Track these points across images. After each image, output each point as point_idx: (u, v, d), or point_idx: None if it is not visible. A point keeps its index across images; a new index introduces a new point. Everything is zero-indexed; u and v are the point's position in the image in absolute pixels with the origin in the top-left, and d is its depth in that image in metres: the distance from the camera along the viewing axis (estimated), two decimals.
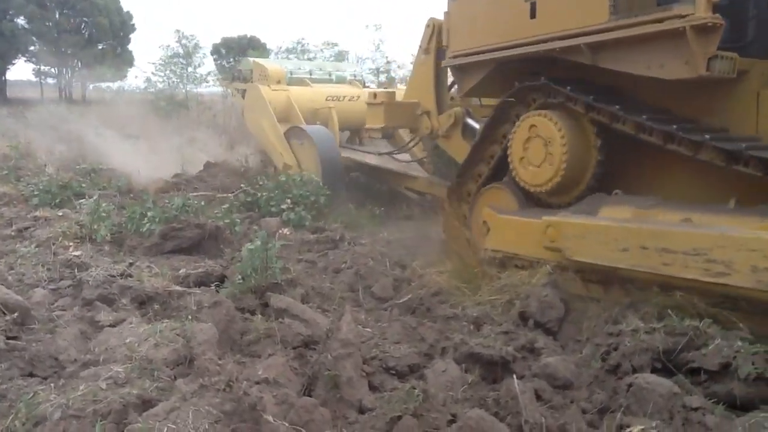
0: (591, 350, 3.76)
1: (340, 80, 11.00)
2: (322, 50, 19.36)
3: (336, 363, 3.25)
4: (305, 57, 20.31)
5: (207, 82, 32.30)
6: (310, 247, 6.10)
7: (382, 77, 17.57)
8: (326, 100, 9.75)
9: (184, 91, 25.27)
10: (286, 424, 2.69)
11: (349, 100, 10.01)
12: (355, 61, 18.64)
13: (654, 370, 3.42)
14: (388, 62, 17.84)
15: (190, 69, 30.67)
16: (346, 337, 3.36)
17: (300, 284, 4.77)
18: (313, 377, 3.29)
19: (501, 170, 5.49)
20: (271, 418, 2.66)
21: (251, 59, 10.40)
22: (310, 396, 3.19)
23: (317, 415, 2.95)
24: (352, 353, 3.35)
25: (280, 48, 27.43)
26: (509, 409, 3.00)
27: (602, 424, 3.01)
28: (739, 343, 3.35)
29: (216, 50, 43.11)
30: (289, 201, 7.14)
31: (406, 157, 8.81)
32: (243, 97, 10.33)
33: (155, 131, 15.10)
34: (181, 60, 30.44)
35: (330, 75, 11.01)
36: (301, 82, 10.33)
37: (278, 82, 9.74)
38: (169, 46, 30.96)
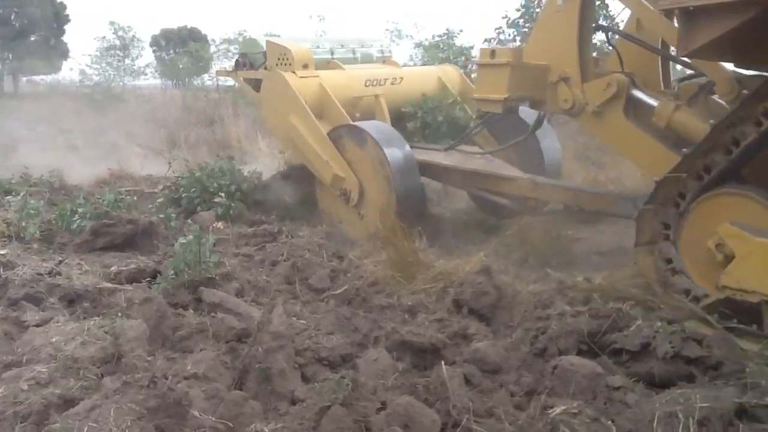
0: (521, 335, 3.84)
1: (366, 58, 8.58)
2: None
3: (267, 356, 3.25)
4: None
5: (145, 75, 31.71)
6: (247, 240, 6.05)
7: None
8: (365, 85, 7.54)
9: (121, 84, 24.75)
10: (213, 419, 2.68)
11: (392, 83, 7.77)
12: None
13: (580, 352, 3.53)
14: (332, 54, 17.62)
15: (127, 61, 30.07)
16: (277, 329, 3.36)
17: (235, 278, 4.72)
18: (244, 371, 3.27)
19: (740, 168, 4.05)
20: (197, 413, 2.65)
21: (259, 39, 7.93)
22: (241, 390, 3.18)
23: (247, 408, 2.95)
24: (283, 345, 3.35)
25: (222, 39, 27.08)
26: (438, 395, 3.05)
27: (529, 406, 3.08)
28: (659, 324, 3.49)
29: (155, 42, 42.24)
30: (223, 195, 6.94)
31: (464, 151, 7.06)
32: (255, 88, 7.75)
33: (91, 126, 14.73)
34: (117, 52, 29.79)
35: (354, 53, 8.52)
36: (326, 64, 7.89)
37: (305, 66, 7.20)
38: (105, 37, 30.29)
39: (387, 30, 17.16)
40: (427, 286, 4.57)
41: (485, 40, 14.51)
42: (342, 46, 8.39)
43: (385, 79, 7.70)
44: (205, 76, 23.05)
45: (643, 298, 3.94)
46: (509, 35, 14.42)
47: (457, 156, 6.90)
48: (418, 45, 16.25)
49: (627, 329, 3.52)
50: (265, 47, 7.57)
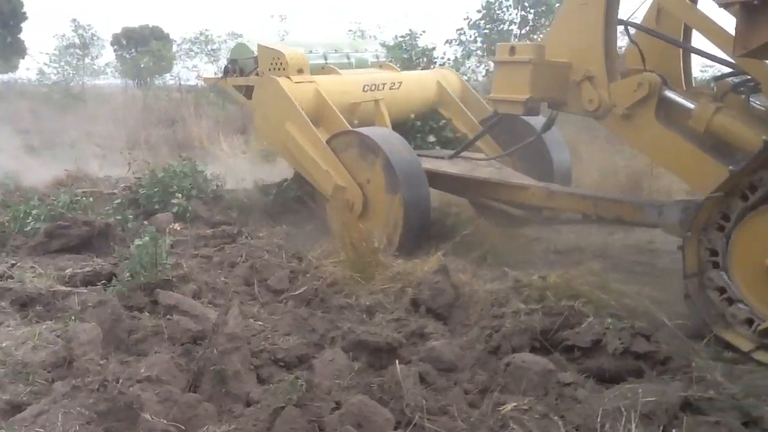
0: (477, 333, 3.89)
1: (361, 64, 8.14)
2: (225, 41, 18.98)
3: (222, 357, 3.24)
4: (208, 48, 19.85)
5: (105, 74, 31.23)
6: (206, 242, 5.99)
7: None
8: (364, 90, 7.11)
9: (80, 83, 24.31)
10: (164, 421, 2.66)
11: (390, 88, 7.35)
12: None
13: (533, 350, 3.59)
14: None
15: (87, 60, 29.57)
16: (232, 331, 3.35)
17: (193, 280, 4.68)
18: (199, 373, 3.26)
19: None
20: (148, 416, 2.63)
21: (249, 43, 7.53)
22: (195, 392, 3.17)
23: (201, 410, 2.95)
24: (239, 347, 3.34)
25: (184, 38, 26.82)
26: (393, 394, 3.08)
27: (482, 403, 3.12)
28: (609, 320, 3.57)
29: (116, 41, 41.55)
30: (180, 195, 6.85)
31: (467, 158, 6.77)
32: (247, 96, 7.27)
33: (48, 126, 14.45)
34: (77, 51, 29.28)
35: (348, 58, 8.04)
36: (321, 69, 7.42)
37: (300, 71, 6.82)
38: (64, 35, 29.75)
39: (350, 30, 17.14)
40: (386, 286, 4.59)
41: (447, 42, 14.63)
42: (336, 50, 8.00)
43: (384, 84, 7.31)
44: (167, 76, 22.80)
45: (595, 295, 4.01)
46: (470, 36, 14.55)
47: (463, 164, 6.55)
48: (382, 45, 16.24)
49: (579, 326, 3.60)
50: (255, 52, 7.28)
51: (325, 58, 7.70)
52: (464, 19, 13.16)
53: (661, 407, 2.88)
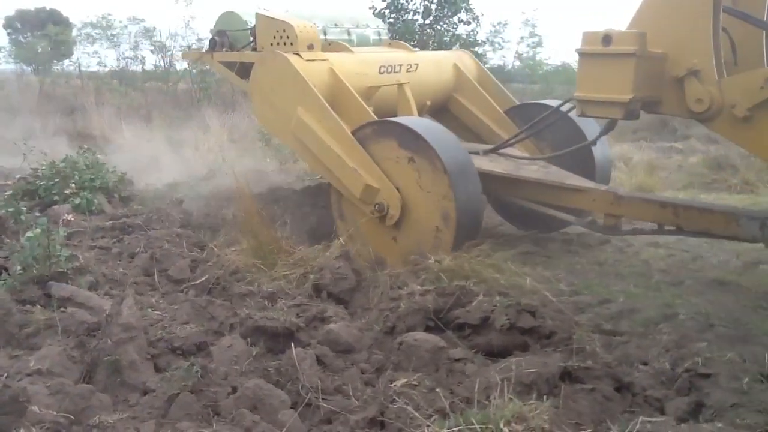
0: (375, 315, 4.02)
1: (362, 41, 7.01)
2: (126, 26, 18.37)
3: (117, 348, 3.22)
4: (109, 34, 19.15)
5: None
6: (104, 233, 5.85)
7: None
8: (380, 72, 6.13)
9: None
10: (54, 413, 2.64)
11: (407, 70, 6.40)
12: (168, 36, 17.61)
13: (427, 329, 3.75)
14: (199, 40, 17.25)
15: None
16: (127, 321, 3.33)
17: (89, 272, 4.60)
18: (93, 364, 3.23)
19: None
20: (36, 408, 2.60)
21: (241, 13, 6.43)
22: (90, 383, 3.14)
23: (94, 401, 2.92)
24: (134, 337, 3.32)
25: (84, 23, 25.66)
26: (289, 376, 3.16)
27: (378, 381, 3.24)
28: (498, 298, 3.76)
29: (10, 24, 39.35)
30: (73, 186, 6.63)
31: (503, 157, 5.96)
32: (241, 74, 6.38)
33: None
34: None
35: (349, 34, 6.89)
36: (327, 46, 6.31)
37: (311, 46, 5.78)
38: None
39: None
40: (288, 272, 4.64)
41: None
42: (336, 25, 6.83)
43: (400, 66, 6.33)
44: (66, 62, 21.82)
45: (486, 275, 4.21)
46: None
47: (503, 162, 5.83)
48: None
49: (469, 305, 3.77)
50: (250, 23, 6.29)
51: (325, 33, 6.57)
52: (369, 8, 13.20)
53: (541, 377, 3.07)
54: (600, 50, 4.35)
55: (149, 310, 4.03)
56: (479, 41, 16.52)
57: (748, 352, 3.53)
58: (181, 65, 17.61)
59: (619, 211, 4.99)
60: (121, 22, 18.67)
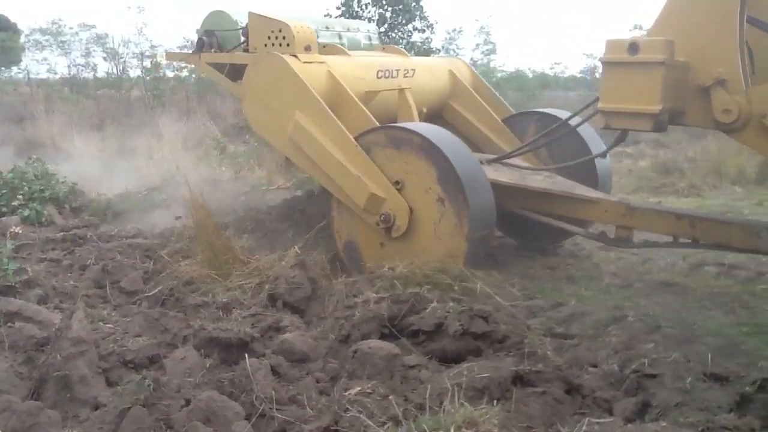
0: (331, 324, 4.02)
1: (353, 45, 6.67)
2: (78, 32, 18.02)
3: (66, 363, 3.16)
4: (59, 40, 18.73)
5: None
6: (54, 245, 5.74)
7: (147, 62, 16.77)
8: (377, 77, 5.92)
9: None
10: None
11: (405, 75, 6.22)
12: (121, 43, 17.30)
13: (382, 336, 3.77)
14: (153, 47, 17.04)
15: None
16: (77, 335, 3.28)
17: (39, 285, 4.51)
18: (41, 380, 3.17)
19: None
20: None
21: (231, 12, 6.16)
22: (38, 400, 3.08)
23: (43, 417, 2.87)
24: (84, 351, 3.27)
25: (33, 29, 25.06)
26: (243, 387, 3.14)
27: (333, 390, 3.25)
28: (451, 304, 3.80)
29: None
30: (21, 197, 6.48)
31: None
32: (231, 76, 6.05)
33: None
34: None
35: (340, 38, 6.60)
36: (322, 49, 6.02)
37: (308, 48, 5.56)
38: None
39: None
40: (243, 282, 4.62)
41: None
42: (327, 28, 6.56)
43: (397, 71, 6.13)
44: (15, 69, 21.27)
45: (440, 281, 4.25)
46: None
47: (508, 171, 5.60)
48: None
49: (424, 311, 3.81)
50: (240, 23, 6.04)
51: (317, 36, 6.16)
52: (325, 16, 13.24)
53: (494, 382, 3.13)
54: (626, 59, 4.19)
55: (101, 323, 3.97)
56: (434, 49, 16.68)
57: (693, 351, 3.64)
58: (134, 72, 17.35)
59: (632, 222, 4.84)
60: (71, 28, 18.33)
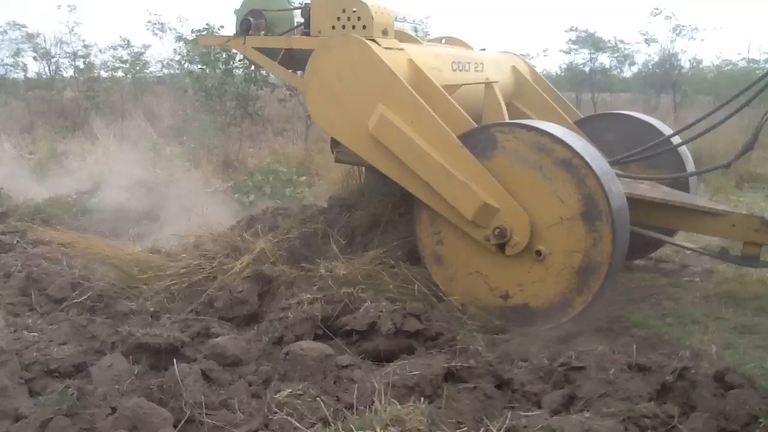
0: (265, 326, 3.99)
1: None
2: (6, 31, 17.34)
3: None
4: None
5: None
6: None
7: (80, 62, 16.26)
8: (453, 69, 5.22)
9: None
10: None
11: (476, 69, 5.50)
12: (54, 42, 16.66)
13: (317, 337, 3.76)
14: (86, 46, 16.51)
15: None
16: None
17: None
18: None
19: None
20: None
21: None
22: None
23: None
24: (5, 361, 3.18)
25: None
26: (173, 393, 3.09)
27: (266, 393, 3.22)
28: (384, 304, 3.82)
29: None
30: None
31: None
32: (286, 64, 5.11)
33: None
34: None
35: None
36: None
37: (385, 32, 4.82)
38: None
39: (149, 22, 16.39)
40: (174, 286, 4.53)
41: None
42: None
43: (468, 63, 5.44)
44: None
45: (374, 281, 4.26)
46: None
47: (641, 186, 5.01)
48: (180, 39, 15.72)
49: (357, 311, 3.81)
50: (297, 1, 5.30)
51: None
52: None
53: (425, 379, 3.17)
54: None
55: (25, 332, 3.83)
56: None
57: (619, 343, 3.75)
58: (67, 72, 16.80)
59: (765, 239, 4.38)
60: (0, 27, 17.62)
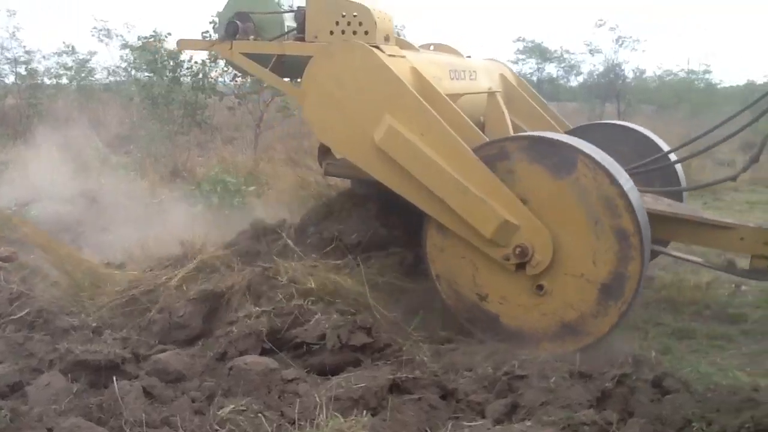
0: (211, 342, 3.93)
1: None
2: None
3: None
4: None
5: None
6: None
7: (21, 68, 15.80)
8: (451, 78, 5.05)
9: None
10: None
11: (470, 78, 5.35)
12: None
13: (264, 351, 3.72)
14: (27, 52, 16.05)
15: None
16: None
17: None
18: None
19: None
20: None
21: None
22: None
23: None
24: None
25: None
26: (112, 412, 3.03)
27: (209, 409, 3.18)
28: (335, 317, 3.80)
29: None
30: None
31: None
32: (276, 70, 4.80)
33: None
34: None
35: None
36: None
37: (386, 39, 4.63)
38: None
39: (95, 28, 16.04)
40: (117, 303, 4.43)
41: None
42: None
43: (464, 72, 5.25)
44: None
45: (324, 293, 4.22)
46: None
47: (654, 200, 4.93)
48: (125, 46, 15.44)
49: (307, 324, 3.79)
50: (285, 4, 5.00)
51: None
52: (209, 23, 12.90)
53: (370, 392, 3.17)
54: None
55: None
56: None
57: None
58: (8, 79, 16.31)
59: None
60: None
